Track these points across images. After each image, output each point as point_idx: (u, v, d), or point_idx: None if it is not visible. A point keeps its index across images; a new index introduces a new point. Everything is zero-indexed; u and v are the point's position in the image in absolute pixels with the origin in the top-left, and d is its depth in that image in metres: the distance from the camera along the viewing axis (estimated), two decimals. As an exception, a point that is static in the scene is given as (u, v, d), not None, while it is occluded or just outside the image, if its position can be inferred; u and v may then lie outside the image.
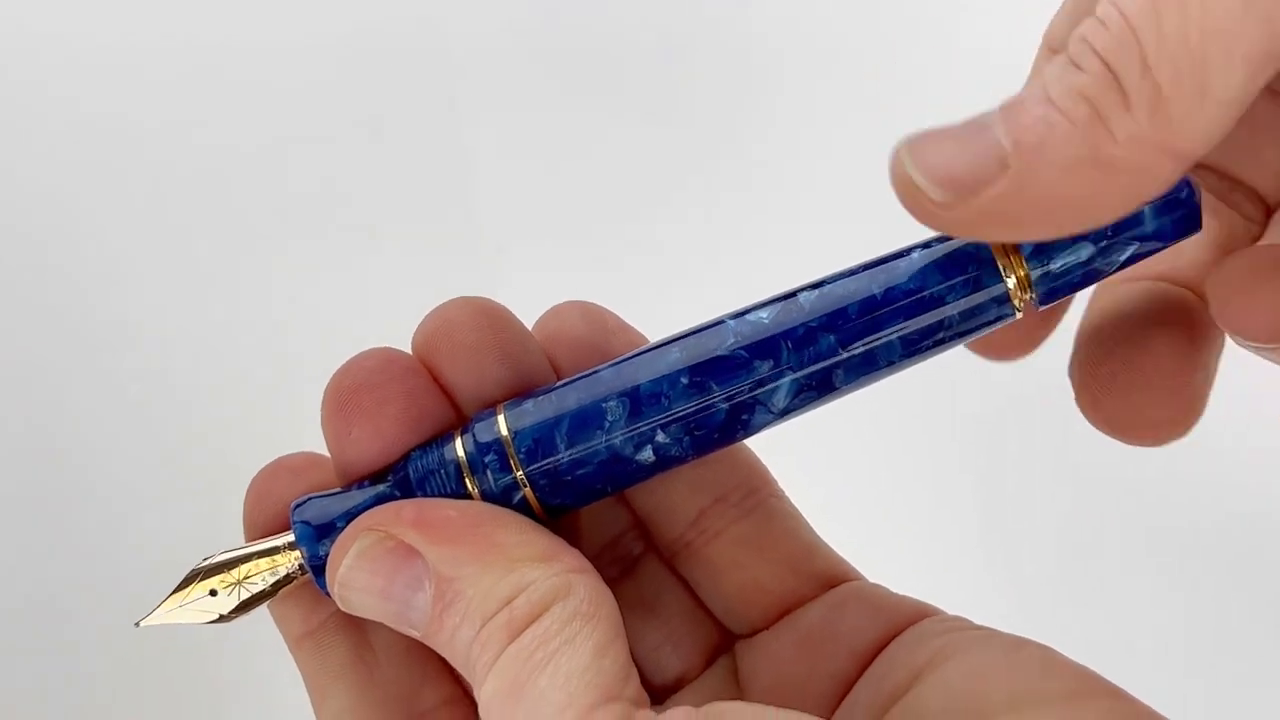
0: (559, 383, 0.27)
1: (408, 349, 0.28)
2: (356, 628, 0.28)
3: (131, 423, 0.55)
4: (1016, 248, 0.25)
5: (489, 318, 0.27)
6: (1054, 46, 0.28)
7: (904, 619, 0.28)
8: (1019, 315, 0.25)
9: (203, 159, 0.60)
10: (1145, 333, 0.27)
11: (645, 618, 0.30)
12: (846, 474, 0.54)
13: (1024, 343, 0.29)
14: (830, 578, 0.30)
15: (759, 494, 0.30)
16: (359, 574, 0.25)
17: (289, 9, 0.62)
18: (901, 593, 0.30)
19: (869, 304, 0.25)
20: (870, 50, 0.62)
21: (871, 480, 0.56)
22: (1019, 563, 0.56)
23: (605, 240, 0.60)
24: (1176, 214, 0.24)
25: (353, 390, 0.27)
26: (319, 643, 0.28)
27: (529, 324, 0.29)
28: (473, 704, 0.27)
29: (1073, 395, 0.27)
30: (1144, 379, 0.26)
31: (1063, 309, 0.28)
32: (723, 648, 0.30)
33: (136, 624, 0.27)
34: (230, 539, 0.28)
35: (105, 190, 0.58)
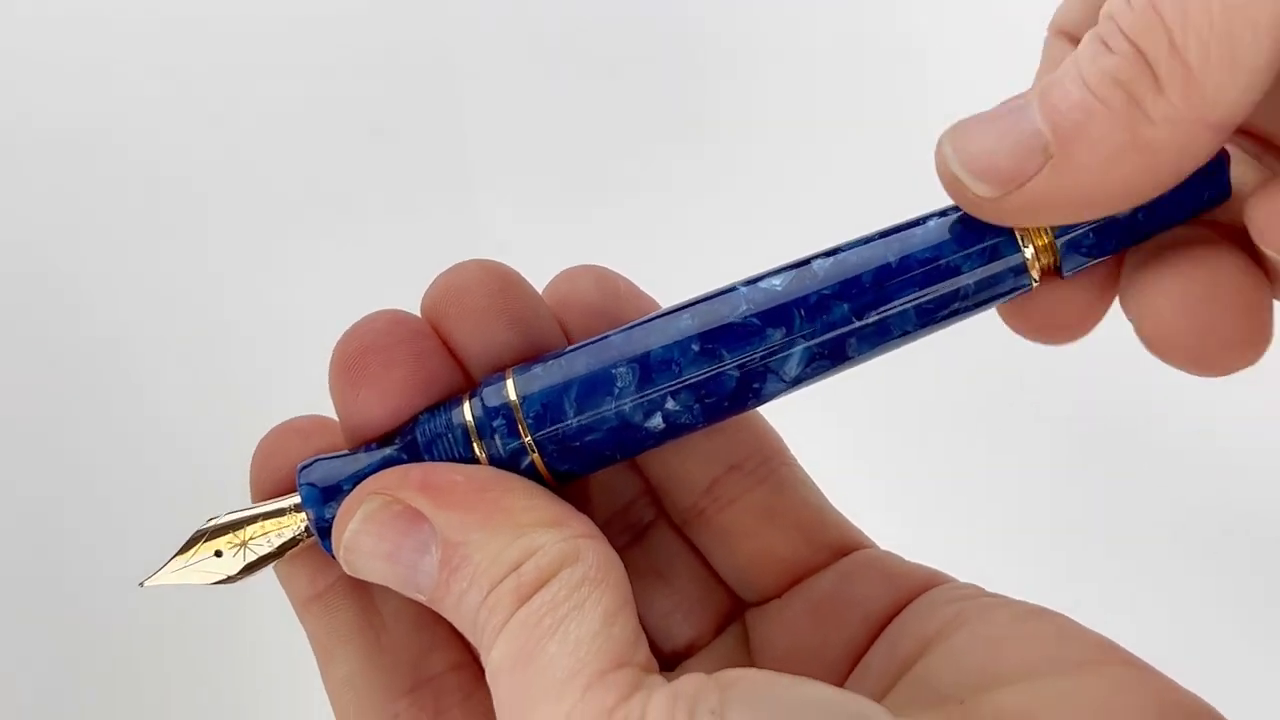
0: (569, 348, 0.26)
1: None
2: (363, 592, 0.28)
3: (140, 395, 0.55)
4: None
5: (499, 280, 0.27)
6: (1064, 28, 0.27)
7: (916, 586, 0.28)
8: (1036, 285, 0.25)
9: (202, 156, 0.60)
10: (1204, 249, 0.24)
11: (656, 585, 0.30)
12: (860, 442, 0.54)
13: (1079, 321, 0.27)
14: (842, 546, 0.29)
15: (772, 462, 0.29)
16: (365, 538, 0.24)
17: (289, 7, 0.62)
18: (914, 560, 0.29)
19: (884, 272, 0.24)
20: (881, 17, 0.62)
21: (885, 448, 0.56)
22: (1034, 532, 0.55)
23: (607, 232, 0.59)
24: (1205, 184, 0.24)
25: (360, 352, 0.26)
26: (326, 606, 0.28)
27: None
28: (481, 669, 0.27)
29: (1132, 330, 0.25)
30: (1210, 290, 0.24)
31: (1112, 290, 0.26)
32: (734, 615, 0.30)
33: (141, 584, 0.27)
34: (237, 501, 0.27)
35: (112, 187, 0.59)
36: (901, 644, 0.27)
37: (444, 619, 0.28)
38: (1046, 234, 0.24)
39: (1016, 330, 0.26)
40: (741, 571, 0.29)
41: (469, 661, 0.28)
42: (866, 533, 0.30)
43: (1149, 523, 0.55)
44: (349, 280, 0.57)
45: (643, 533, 0.30)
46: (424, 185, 0.61)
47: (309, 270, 0.58)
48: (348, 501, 0.25)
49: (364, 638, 0.28)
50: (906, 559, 0.29)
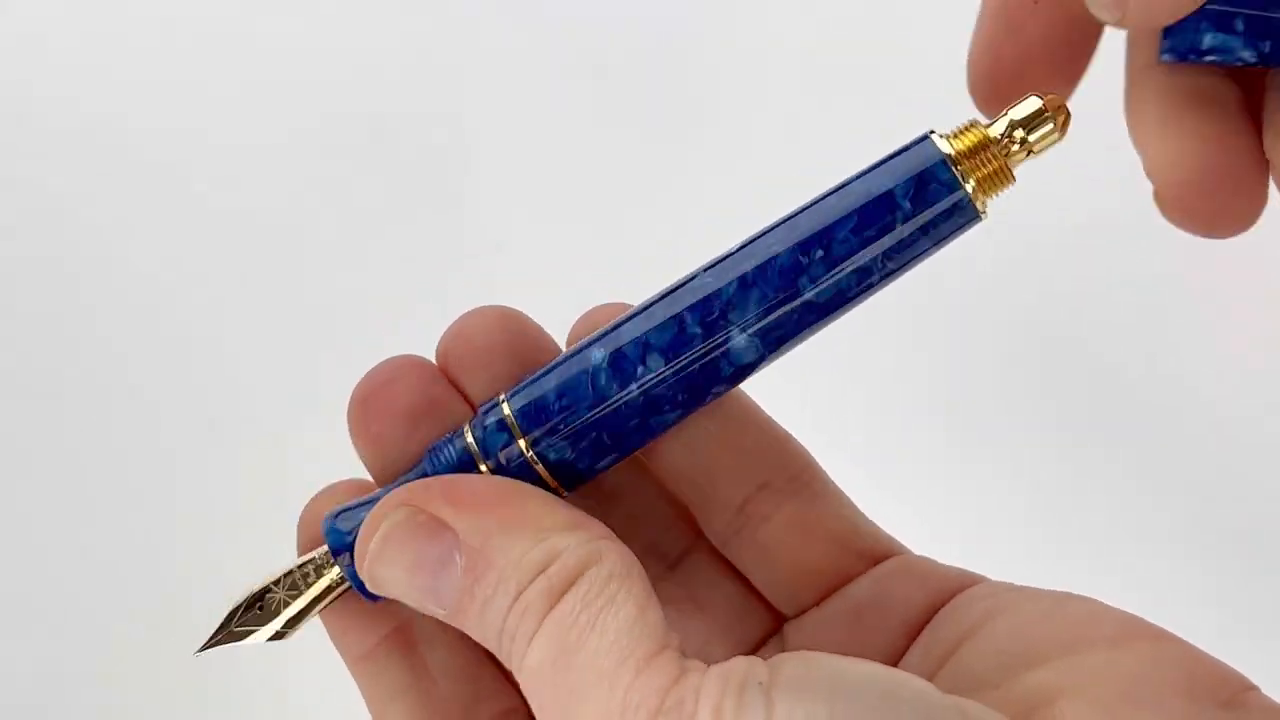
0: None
1: (411, 349, 0.29)
2: (410, 648, 0.28)
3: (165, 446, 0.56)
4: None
5: (508, 323, 0.28)
6: None
7: (951, 589, 0.28)
8: (985, 218, 0.26)
9: (200, 160, 0.61)
10: None
11: (692, 613, 0.30)
12: (887, 451, 0.52)
13: (1247, 204, 0.26)
14: (877, 553, 0.29)
15: (802, 477, 0.30)
16: (389, 549, 0.25)
17: (291, 8, 0.65)
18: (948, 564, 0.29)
19: (831, 230, 0.26)
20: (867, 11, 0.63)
21: (912, 454, 0.54)
22: (1060, 529, 0.54)
23: (605, 234, 0.59)
24: None
25: (371, 392, 0.28)
26: (376, 663, 0.28)
27: (543, 322, 0.29)
28: (530, 715, 0.27)
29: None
30: None
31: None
32: (771, 632, 0.30)
33: (196, 654, 0.28)
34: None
35: (113, 190, 0.60)
36: (937, 644, 0.27)
37: (492, 669, 0.28)
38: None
39: (1185, 226, 0.26)
40: (781, 586, 0.30)
41: (518, 708, 0.29)
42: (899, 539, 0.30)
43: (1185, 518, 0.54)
44: (343, 300, 0.57)
45: (674, 565, 0.31)
46: (419, 186, 0.61)
47: (302, 289, 0.58)
48: (372, 516, 0.25)
49: (415, 693, 0.28)
50: (941, 562, 0.29)
